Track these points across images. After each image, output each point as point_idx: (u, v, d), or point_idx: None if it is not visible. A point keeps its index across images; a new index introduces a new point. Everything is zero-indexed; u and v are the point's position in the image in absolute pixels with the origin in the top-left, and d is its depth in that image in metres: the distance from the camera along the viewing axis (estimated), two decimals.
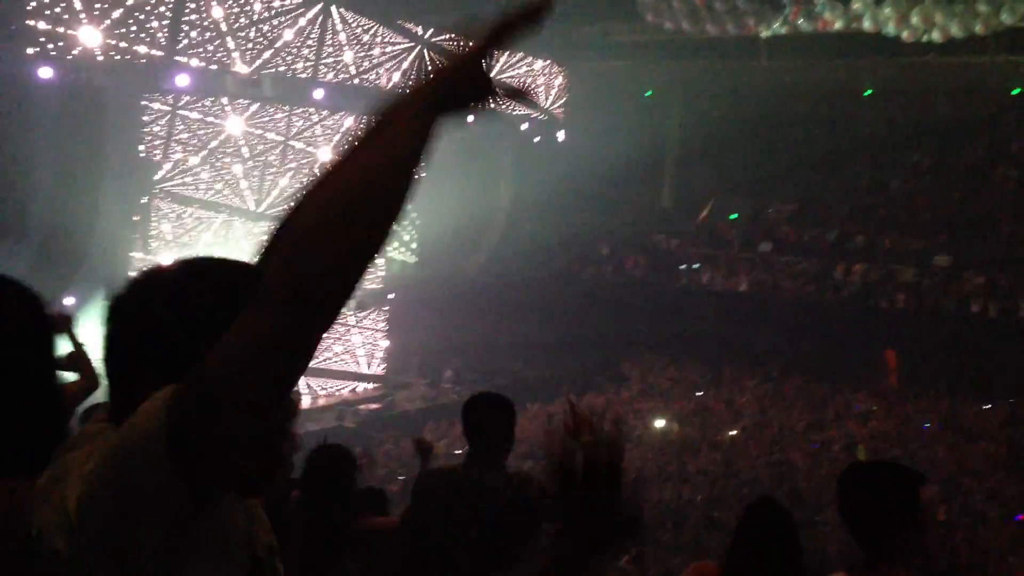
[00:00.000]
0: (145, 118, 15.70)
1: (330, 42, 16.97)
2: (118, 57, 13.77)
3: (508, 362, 21.09)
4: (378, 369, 20.04)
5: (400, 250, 20.95)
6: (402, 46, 18.25)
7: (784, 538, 3.61)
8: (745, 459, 15.32)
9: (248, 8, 15.37)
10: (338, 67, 17.23)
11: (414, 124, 1.18)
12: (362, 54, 17.54)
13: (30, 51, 12.81)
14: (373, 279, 20.51)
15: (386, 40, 17.96)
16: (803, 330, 19.99)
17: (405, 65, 18.16)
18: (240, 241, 17.93)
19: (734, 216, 24.09)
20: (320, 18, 16.64)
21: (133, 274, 1.46)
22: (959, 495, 13.32)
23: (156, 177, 16.14)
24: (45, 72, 12.95)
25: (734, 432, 16.87)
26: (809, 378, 19.46)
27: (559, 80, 21.37)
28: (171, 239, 16.92)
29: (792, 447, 15.86)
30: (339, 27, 17.04)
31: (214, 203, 17.17)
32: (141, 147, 15.83)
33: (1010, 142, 22.59)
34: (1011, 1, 13.99)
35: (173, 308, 1.34)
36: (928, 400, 17.95)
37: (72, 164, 14.28)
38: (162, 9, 14.21)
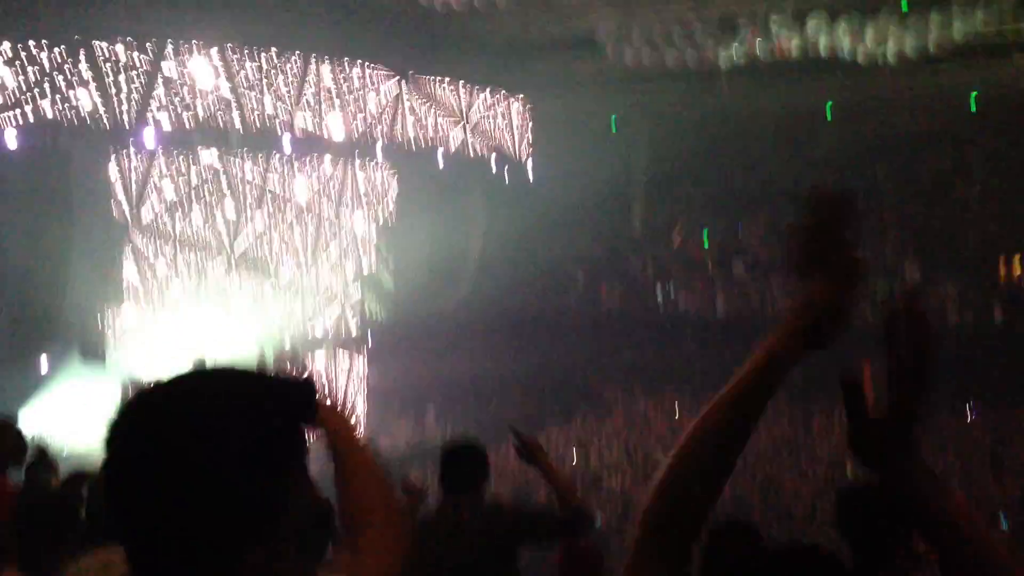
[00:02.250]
0: (113, 176, 15.70)
1: (301, 89, 17.05)
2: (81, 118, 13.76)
3: (490, 400, 21.04)
4: (359, 411, 19.93)
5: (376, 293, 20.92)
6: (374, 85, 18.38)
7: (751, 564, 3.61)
8: (732, 484, 15.30)
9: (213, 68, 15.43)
10: (306, 115, 17.29)
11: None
12: (328, 100, 17.63)
13: None
14: (352, 322, 20.47)
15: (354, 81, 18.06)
16: None
17: (372, 106, 18.26)
18: (216, 288, 17.86)
19: (706, 239, 24.27)
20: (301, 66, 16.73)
21: (142, 395, 1.20)
22: None
23: (136, 219, 16.09)
24: (11, 139, 12.92)
25: None
26: (791, 397, 19.49)
27: (524, 114, 21.53)
28: (143, 291, 16.83)
29: (779, 467, 15.88)
30: (311, 77, 17.13)
31: (191, 242, 17.11)
32: (111, 203, 15.80)
33: (971, 152, 22.96)
34: (961, 17, 14.29)
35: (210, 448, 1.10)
36: None
37: (42, 227, 14.23)
38: (131, 74, 14.23)
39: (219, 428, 1.11)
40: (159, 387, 1.21)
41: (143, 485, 1.10)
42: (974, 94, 21.21)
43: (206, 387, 1.22)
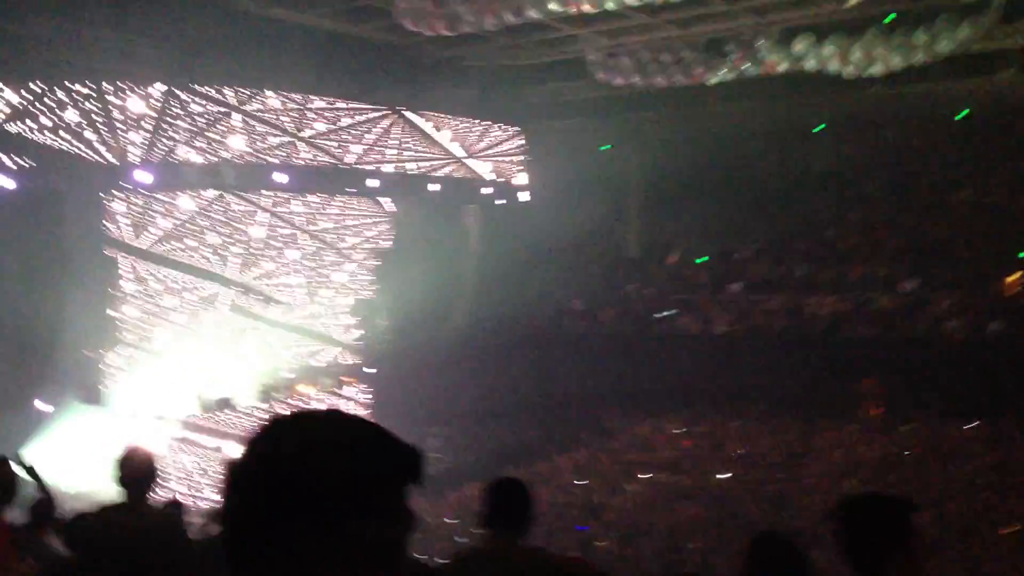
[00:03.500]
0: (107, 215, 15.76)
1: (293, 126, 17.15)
2: (77, 160, 13.82)
3: (492, 427, 21.00)
4: None
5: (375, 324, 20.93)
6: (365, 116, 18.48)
7: (795, 571, 3.64)
8: (736, 502, 15.27)
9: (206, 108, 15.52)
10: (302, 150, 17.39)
11: None
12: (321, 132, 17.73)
13: None
14: (351, 354, 20.47)
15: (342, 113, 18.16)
16: (781, 367, 20.08)
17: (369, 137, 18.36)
18: (212, 324, 17.87)
19: (703, 260, 24.33)
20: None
21: (264, 434, 1.32)
22: (948, 515, 13.34)
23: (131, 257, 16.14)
24: (5, 181, 12.97)
25: (723, 476, 16.83)
26: (791, 414, 19.49)
27: (517, 142, 21.64)
28: (139, 330, 16.83)
29: (781, 484, 15.84)
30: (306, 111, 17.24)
31: (195, 268, 17.14)
32: (105, 243, 15.85)
33: (961, 165, 23.08)
34: (946, 31, 14.39)
35: (343, 467, 1.26)
36: (911, 425, 18.02)
37: (36, 269, 14.25)
38: (124, 114, 14.32)
39: (338, 471, 1.26)
40: (295, 421, 1.35)
41: (265, 496, 1.25)
42: (960, 116, 21.40)
43: (337, 430, 1.33)
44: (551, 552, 4.09)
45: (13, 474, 4.83)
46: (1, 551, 4.50)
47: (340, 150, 18.02)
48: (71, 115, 13.66)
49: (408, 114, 19.00)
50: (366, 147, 18.46)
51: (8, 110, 13.04)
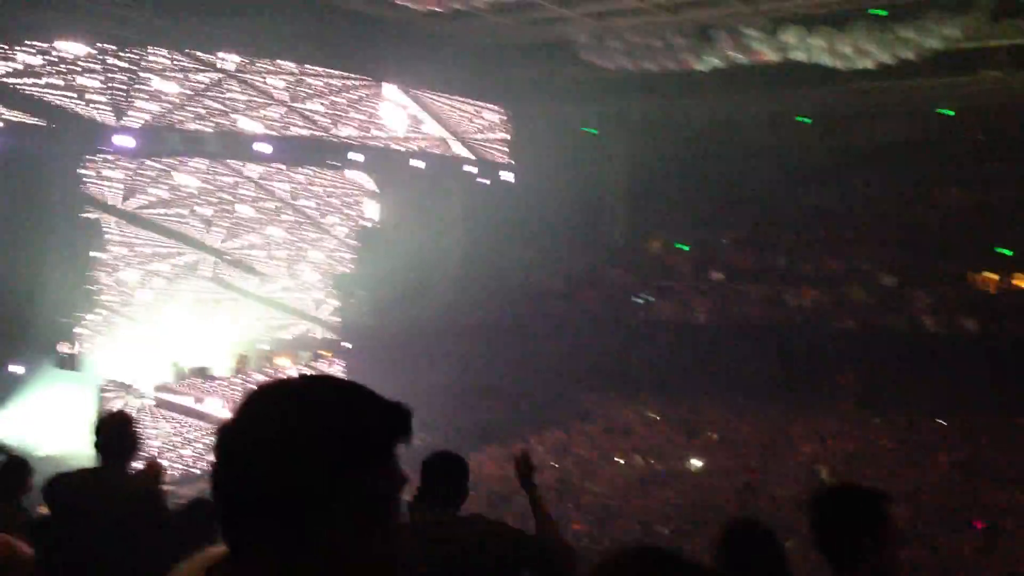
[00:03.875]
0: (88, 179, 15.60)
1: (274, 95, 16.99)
2: (58, 122, 13.63)
3: (469, 406, 20.99)
4: None
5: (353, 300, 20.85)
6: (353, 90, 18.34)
7: (770, 559, 3.65)
8: (711, 489, 15.36)
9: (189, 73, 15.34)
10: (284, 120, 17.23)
11: None
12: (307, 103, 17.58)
13: None
14: (328, 329, 20.40)
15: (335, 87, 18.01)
16: (759, 356, 20.18)
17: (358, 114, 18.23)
18: (191, 293, 17.76)
19: (685, 247, 24.38)
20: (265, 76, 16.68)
21: (256, 396, 1.34)
22: (921, 508, 13.48)
23: (110, 223, 16.04)
24: None
25: (698, 462, 16.93)
26: (768, 403, 19.62)
27: (502, 122, 21.55)
28: (118, 296, 16.70)
29: (756, 473, 15.95)
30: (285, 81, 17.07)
31: (178, 234, 17.05)
32: (86, 207, 15.68)
33: (947, 162, 23.20)
34: (937, 27, 14.42)
35: (311, 440, 1.27)
36: (886, 418, 18.18)
37: (15, 231, 14.06)
38: (105, 75, 14.11)
39: (324, 424, 1.28)
40: (291, 383, 1.37)
41: (252, 448, 1.27)
42: (948, 112, 21.49)
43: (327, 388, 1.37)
44: (487, 518, 4.10)
45: None
46: None
47: (324, 121, 17.88)
48: (57, 74, 13.47)
49: (392, 88, 18.86)
50: (351, 120, 18.33)
51: None
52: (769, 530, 3.81)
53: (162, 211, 16.82)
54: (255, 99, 16.54)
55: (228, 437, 1.31)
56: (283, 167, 18.50)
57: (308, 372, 18.49)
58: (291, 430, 1.26)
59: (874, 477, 14.96)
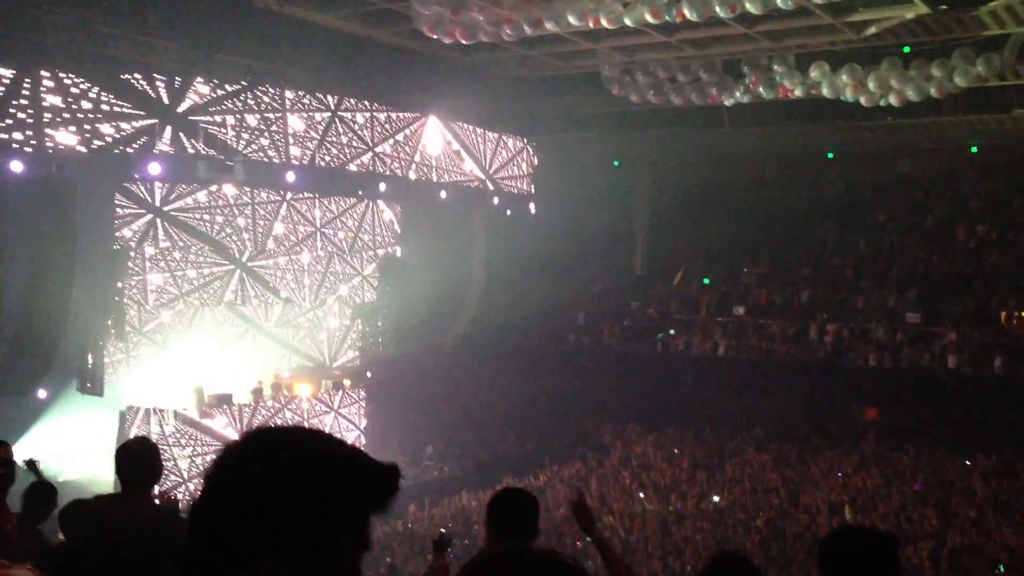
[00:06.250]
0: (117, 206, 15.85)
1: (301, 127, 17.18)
2: (89, 148, 13.84)
3: (488, 436, 20.96)
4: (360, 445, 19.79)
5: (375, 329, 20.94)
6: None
7: None
8: (732, 525, 15.21)
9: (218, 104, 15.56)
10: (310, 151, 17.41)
11: None
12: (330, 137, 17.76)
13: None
14: (351, 358, 20.47)
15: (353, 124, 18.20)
16: (782, 391, 20.06)
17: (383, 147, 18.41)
18: (215, 321, 17.89)
19: (707, 281, 24.33)
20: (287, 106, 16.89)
21: (251, 440, 1.35)
22: (945, 548, 13.28)
23: (163, 206, 16.46)
24: (16, 166, 12.95)
25: (719, 499, 16.77)
26: (790, 439, 19.45)
27: (528, 154, 21.66)
28: (142, 322, 16.87)
29: (777, 510, 15.77)
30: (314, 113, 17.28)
31: (215, 241, 17.42)
32: (114, 234, 15.90)
33: (971, 198, 23.10)
34: (963, 65, 14.41)
35: (302, 487, 1.26)
36: (910, 456, 17.97)
37: (45, 256, 14.23)
38: (135, 109, 14.36)
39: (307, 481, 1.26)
40: (275, 433, 1.35)
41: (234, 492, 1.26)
42: (975, 149, 21.41)
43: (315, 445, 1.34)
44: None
45: (11, 456, 4.81)
46: (11, 535, 4.47)
47: (350, 152, 18.05)
48: (86, 104, 13.68)
49: (419, 118, 19.05)
50: (377, 151, 18.49)
51: (26, 95, 13.05)
52: (750, 564, 3.82)
53: (196, 214, 17.10)
54: (278, 127, 16.75)
55: (206, 482, 1.31)
56: (313, 195, 18.81)
57: (322, 404, 18.59)
58: (263, 487, 1.25)
59: (897, 515, 14.79)
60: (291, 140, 16.52)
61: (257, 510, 1.23)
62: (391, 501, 1.33)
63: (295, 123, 16.63)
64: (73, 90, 13.55)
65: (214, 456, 1.34)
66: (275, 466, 1.26)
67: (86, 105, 13.65)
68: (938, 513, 14.85)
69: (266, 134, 16.09)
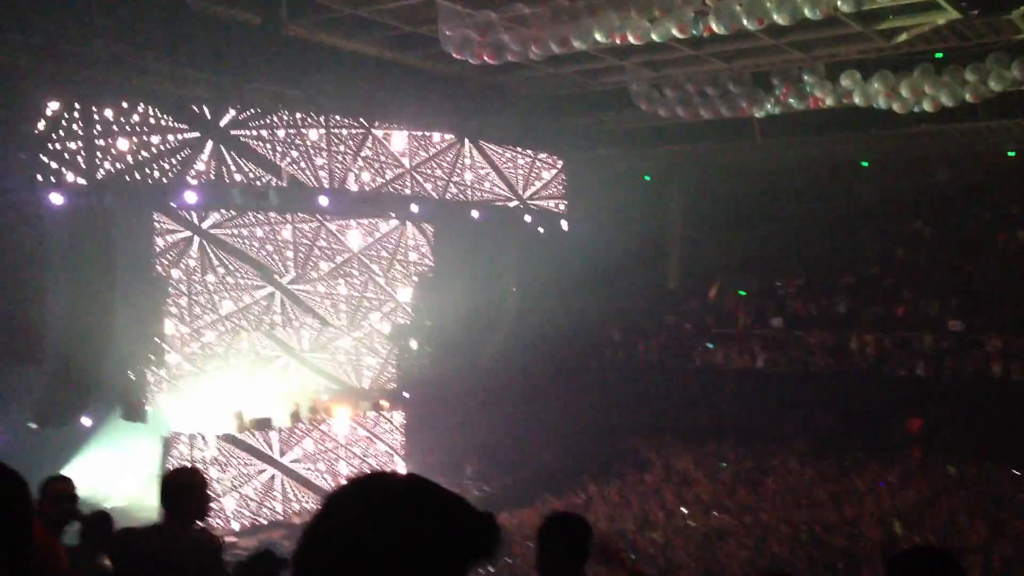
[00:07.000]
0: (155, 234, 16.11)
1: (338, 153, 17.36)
2: (128, 178, 14.08)
3: (528, 454, 20.89)
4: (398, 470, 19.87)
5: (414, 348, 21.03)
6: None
7: None
8: (777, 541, 15.01)
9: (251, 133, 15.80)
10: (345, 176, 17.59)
11: None
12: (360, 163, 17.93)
13: (40, 179, 13.09)
14: (389, 379, 20.55)
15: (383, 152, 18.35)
16: (823, 404, 19.83)
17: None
18: (254, 346, 18.05)
19: (742, 293, 24.15)
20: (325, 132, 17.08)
21: (355, 488, 1.37)
22: (994, 561, 13.03)
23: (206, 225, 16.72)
24: (56, 198, 13.19)
25: (761, 514, 16.57)
26: (832, 452, 19.20)
27: (558, 171, 21.70)
28: (184, 349, 17.06)
29: (823, 525, 15.55)
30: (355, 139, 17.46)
31: (257, 263, 17.66)
32: (153, 262, 16.15)
33: (1010, 204, 22.76)
34: (997, 69, 14.23)
35: (411, 536, 1.28)
36: (957, 468, 17.66)
37: (86, 286, 14.46)
38: (176, 135, 14.63)
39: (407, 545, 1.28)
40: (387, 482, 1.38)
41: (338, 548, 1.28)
42: (1012, 153, 21.10)
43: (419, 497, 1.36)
44: None
45: (74, 491, 4.85)
46: (62, 569, 4.50)
47: (384, 172, 18.21)
48: (122, 136, 13.94)
49: (451, 138, 19.16)
50: (408, 171, 18.63)
51: (64, 128, 13.32)
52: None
53: (235, 229, 17.27)
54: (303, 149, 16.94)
55: (308, 533, 1.32)
56: (348, 220, 18.99)
57: (364, 428, 18.67)
58: (371, 537, 1.27)
59: (947, 529, 14.53)
60: (321, 164, 16.72)
61: (367, 560, 1.25)
62: (497, 548, 1.34)
63: (323, 145, 16.82)
64: (111, 121, 13.81)
65: (317, 505, 1.35)
66: (384, 515, 1.28)
67: (123, 135, 13.91)
68: (987, 525, 14.57)
69: (300, 161, 16.31)
